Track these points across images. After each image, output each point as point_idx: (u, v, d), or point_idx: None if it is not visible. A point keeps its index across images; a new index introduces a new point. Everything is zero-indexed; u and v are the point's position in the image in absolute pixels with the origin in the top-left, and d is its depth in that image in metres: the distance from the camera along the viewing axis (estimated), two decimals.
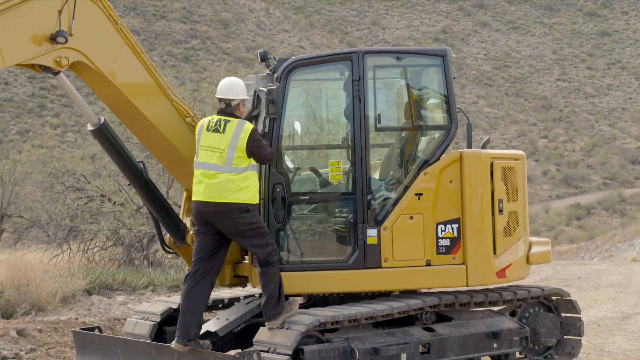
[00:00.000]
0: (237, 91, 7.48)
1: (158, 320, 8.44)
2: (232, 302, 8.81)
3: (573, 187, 64.90)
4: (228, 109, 7.45)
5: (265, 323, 7.34)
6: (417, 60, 8.50)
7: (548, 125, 75.53)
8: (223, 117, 7.41)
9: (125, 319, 10.78)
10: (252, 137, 7.30)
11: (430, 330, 7.92)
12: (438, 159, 8.01)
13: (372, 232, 7.81)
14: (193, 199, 7.44)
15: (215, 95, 7.57)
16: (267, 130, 7.82)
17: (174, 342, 7.30)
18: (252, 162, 7.39)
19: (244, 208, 7.25)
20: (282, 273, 7.63)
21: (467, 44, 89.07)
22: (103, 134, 7.88)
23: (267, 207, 7.75)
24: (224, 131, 7.33)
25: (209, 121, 7.46)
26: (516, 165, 8.47)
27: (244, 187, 7.26)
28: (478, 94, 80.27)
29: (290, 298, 7.64)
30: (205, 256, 7.44)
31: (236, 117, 7.42)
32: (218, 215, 7.29)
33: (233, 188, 7.23)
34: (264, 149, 7.36)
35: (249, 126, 7.35)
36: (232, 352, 7.19)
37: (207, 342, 7.56)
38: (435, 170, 7.97)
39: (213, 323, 8.14)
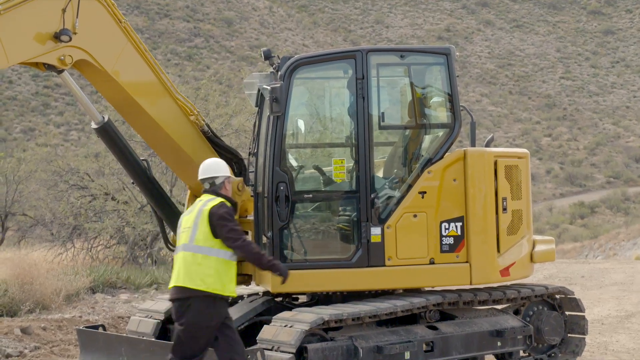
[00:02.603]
0: (220, 169, 6.99)
1: (162, 318, 8.45)
2: (235, 300, 8.81)
3: (577, 185, 64.81)
4: (214, 187, 6.89)
5: None
6: (421, 59, 8.49)
7: (552, 123, 75.43)
8: (203, 198, 6.83)
9: (129, 317, 10.79)
10: (217, 213, 6.61)
11: (434, 328, 7.92)
12: (442, 158, 8.00)
13: (375, 231, 7.81)
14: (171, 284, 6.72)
15: (199, 178, 7.01)
16: (270, 128, 7.81)
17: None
18: (221, 246, 6.65)
19: (211, 297, 6.54)
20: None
21: (471, 42, 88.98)
22: (107, 132, 7.90)
23: (270, 205, 7.75)
24: (194, 209, 6.78)
25: (195, 202, 6.90)
26: (520, 163, 8.46)
27: (210, 273, 6.55)
28: (482, 92, 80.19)
29: None
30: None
31: (220, 195, 6.84)
32: (183, 303, 6.56)
33: (198, 273, 6.54)
34: (229, 231, 6.59)
35: (216, 201, 6.73)
36: None
37: None
38: (439, 168, 7.96)
39: None
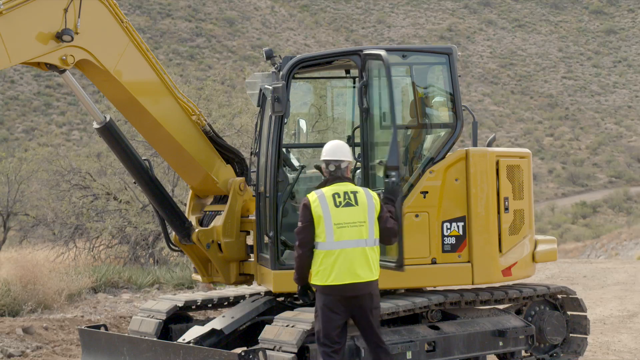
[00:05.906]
0: (346, 153, 6.82)
1: (164, 318, 8.45)
2: (237, 300, 8.81)
3: (579, 185, 64.81)
4: (338, 171, 6.72)
5: None
6: (423, 58, 8.48)
7: (554, 123, 75.41)
8: (348, 190, 6.65)
9: (131, 317, 10.80)
10: (382, 205, 6.77)
11: (436, 328, 7.91)
12: (444, 157, 7.99)
13: None
14: (335, 282, 6.54)
15: (324, 158, 6.79)
16: (272, 128, 7.80)
17: None
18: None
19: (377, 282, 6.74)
20: (287, 271, 7.64)
21: (473, 42, 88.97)
22: (109, 132, 7.90)
23: (272, 205, 7.74)
24: (357, 203, 6.61)
25: (334, 196, 6.61)
26: (522, 163, 8.45)
27: (377, 261, 6.74)
28: (484, 92, 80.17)
29: None
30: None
31: (350, 181, 6.79)
32: (365, 297, 6.64)
33: (376, 264, 6.69)
34: (392, 222, 6.79)
35: (375, 194, 6.80)
36: (238, 350, 7.19)
37: None
38: (441, 168, 7.95)
39: (219, 321, 8.14)
